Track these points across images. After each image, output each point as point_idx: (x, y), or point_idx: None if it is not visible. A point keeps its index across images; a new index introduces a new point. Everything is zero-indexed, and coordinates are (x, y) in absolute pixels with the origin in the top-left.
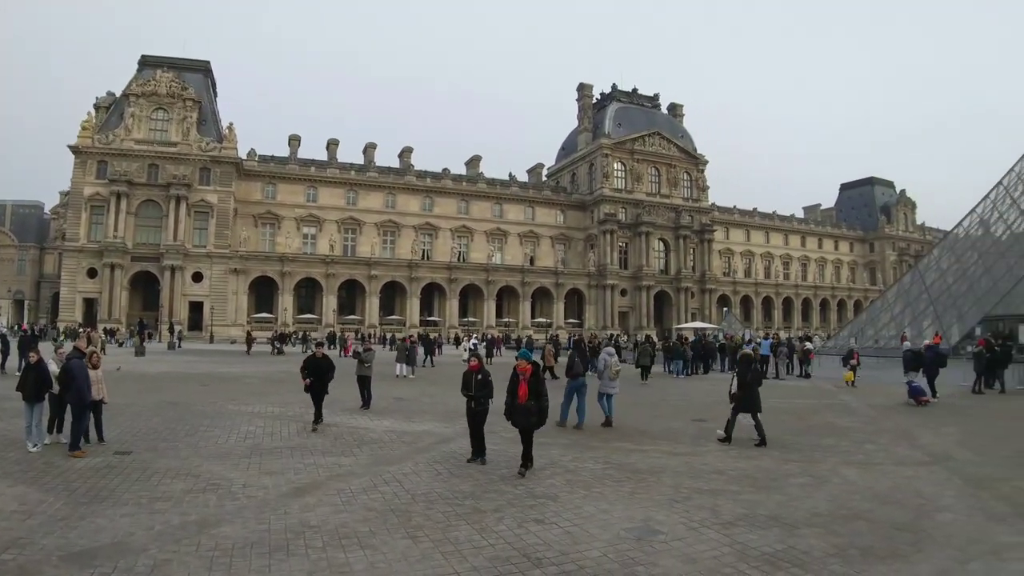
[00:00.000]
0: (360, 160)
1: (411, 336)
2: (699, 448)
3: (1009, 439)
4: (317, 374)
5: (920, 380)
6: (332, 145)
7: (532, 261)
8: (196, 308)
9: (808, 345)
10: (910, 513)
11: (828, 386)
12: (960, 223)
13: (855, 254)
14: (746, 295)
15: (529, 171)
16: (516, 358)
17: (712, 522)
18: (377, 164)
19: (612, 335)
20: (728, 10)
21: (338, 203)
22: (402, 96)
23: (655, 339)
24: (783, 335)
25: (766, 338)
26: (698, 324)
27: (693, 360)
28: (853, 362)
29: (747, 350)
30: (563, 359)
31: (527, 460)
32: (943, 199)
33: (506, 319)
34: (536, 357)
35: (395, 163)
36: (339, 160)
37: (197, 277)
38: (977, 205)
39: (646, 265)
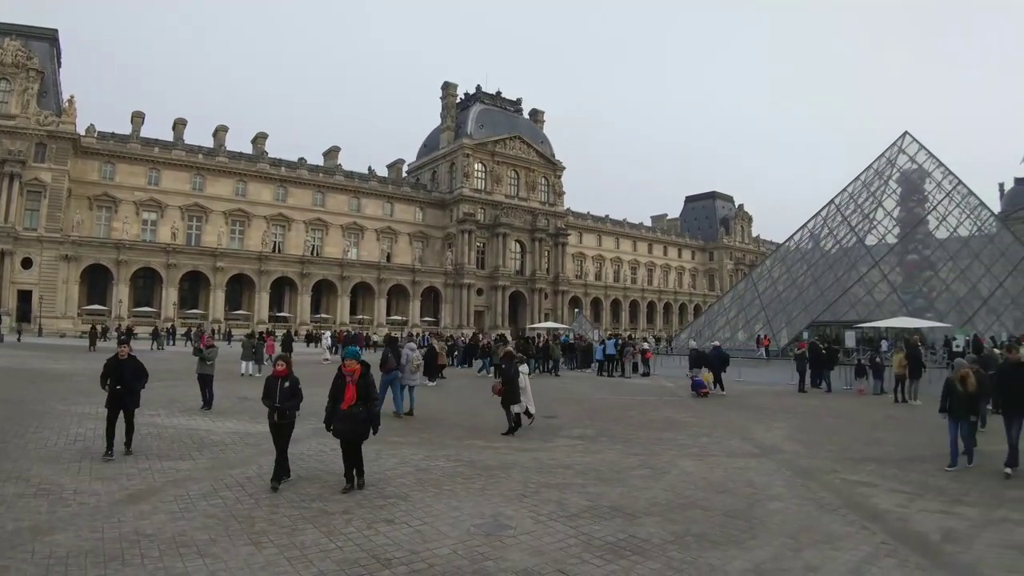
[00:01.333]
0: (210, 143)
1: (261, 331)
2: (548, 444)
3: (834, 434)
4: (122, 381)
5: (705, 375)
6: (179, 125)
7: (389, 258)
8: (25, 298)
9: (645, 345)
10: (743, 502)
11: (668, 384)
12: (792, 237)
13: (696, 262)
14: (596, 297)
15: (389, 166)
16: (343, 358)
17: (559, 515)
18: (228, 149)
19: (476, 333)
20: (593, 26)
21: (183, 188)
22: (259, 81)
23: (508, 338)
24: (633, 335)
25: (610, 338)
26: (551, 324)
27: (543, 359)
28: None
29: (509, 348)
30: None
31: (359, 474)
32: (776, 215)
33: (360, 316)
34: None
35: (248, 149)
36: (186, 142)
37: (27, 263)
38: (808, 221)
39: (502, 265)
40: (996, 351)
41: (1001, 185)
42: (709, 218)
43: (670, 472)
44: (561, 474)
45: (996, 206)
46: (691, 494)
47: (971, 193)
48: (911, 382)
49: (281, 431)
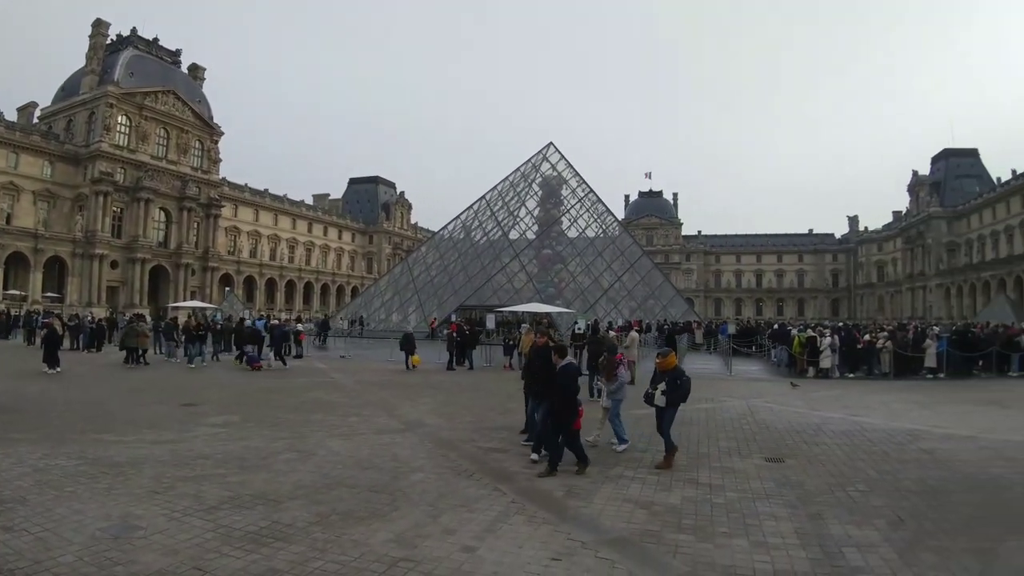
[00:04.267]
0: None
1: None
2: (186, 434)
3: (472, 407)
4: None
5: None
6: None
7: (9, 219)
8: None
9: (298, 327)
10: (387, 476)
11: (321, 365)
12: (446, 226)
13: (356, 244)
14: (250, 275)
15: (20, 109)
16: None
17: (196, 509)
18: None
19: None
20: None
21: None
22: None
23: (148, 318)
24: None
25: (260, 319)
26: (197, 303)
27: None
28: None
29: None
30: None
31: None
32: (435, 204)
33: None
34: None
35: None
36: None
37: None
38: (462, 213)
39: (143, 236)
40: (611, 333)
41: (627, 196)
42: (371, 202)
43: (317, 453)
44: (200, 465)
45: (622, 214)
46: (337, 474)
47: (599, 201)
48: None
49: None
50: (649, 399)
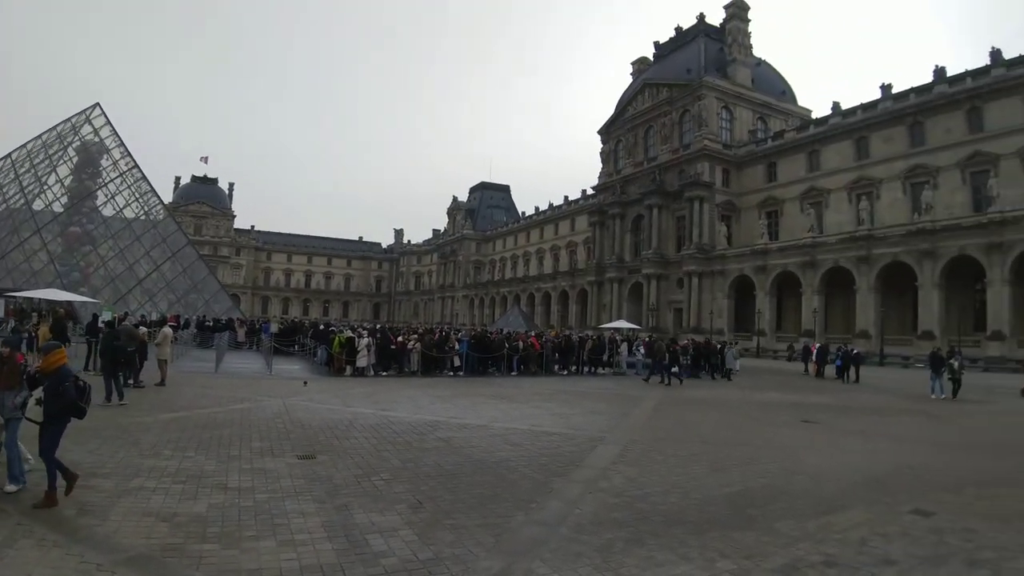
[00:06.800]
0: None
1: None
2: None
3: None
4: None
5: None
6: None
7: None
8: None
9: None
10: None
11: None
12: None
13: None
14: None
15: None
16: None
17: None
18: None
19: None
20: None
21: None
22: None
23: None
24: None
25: None
26: None
27: None
28: None
29: None
30: None
31: None
32: None
33: None
34: None
35: None
36: None
37: None
38: None
39: None
40: (141, 328)
41: (178, 179)
42: None
43: None
44: None
45: (169, 197)
46: None
47: (144, 179)
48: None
49: None
50: (23, 410)
